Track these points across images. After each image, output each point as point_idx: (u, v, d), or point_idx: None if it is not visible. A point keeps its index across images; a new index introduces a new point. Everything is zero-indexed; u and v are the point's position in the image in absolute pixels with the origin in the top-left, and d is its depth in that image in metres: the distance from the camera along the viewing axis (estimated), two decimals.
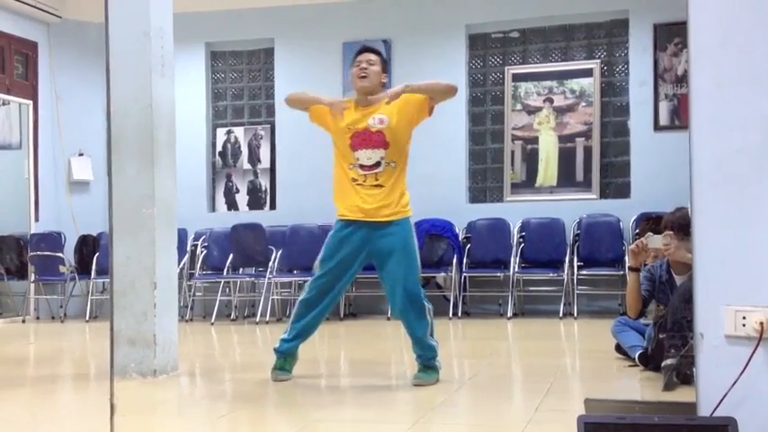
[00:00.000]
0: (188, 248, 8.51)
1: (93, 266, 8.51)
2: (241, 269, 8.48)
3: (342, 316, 7.93)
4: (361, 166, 4.16)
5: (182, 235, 7.69)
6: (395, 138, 4.13)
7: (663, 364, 3.89)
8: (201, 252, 8.53)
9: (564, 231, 7.92)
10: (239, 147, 9.21)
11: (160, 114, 4.77)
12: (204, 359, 5.76)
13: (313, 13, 8.83)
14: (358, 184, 4.17)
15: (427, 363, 4.21)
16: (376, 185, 4.14)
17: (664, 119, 8.01)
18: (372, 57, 4.21)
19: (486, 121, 8.66)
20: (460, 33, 8.56)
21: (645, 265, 4.35)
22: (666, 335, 3.96)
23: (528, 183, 8.38)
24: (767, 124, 2.34)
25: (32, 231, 8.88)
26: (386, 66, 4.28)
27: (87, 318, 8.42)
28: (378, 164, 4.13)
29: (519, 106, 8.45)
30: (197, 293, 8.55)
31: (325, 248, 4.31)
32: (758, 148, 2.34)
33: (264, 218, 8.57)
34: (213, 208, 9.26)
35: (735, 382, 2.31)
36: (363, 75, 4.17)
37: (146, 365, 4.60)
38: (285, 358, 4.34)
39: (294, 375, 4.40)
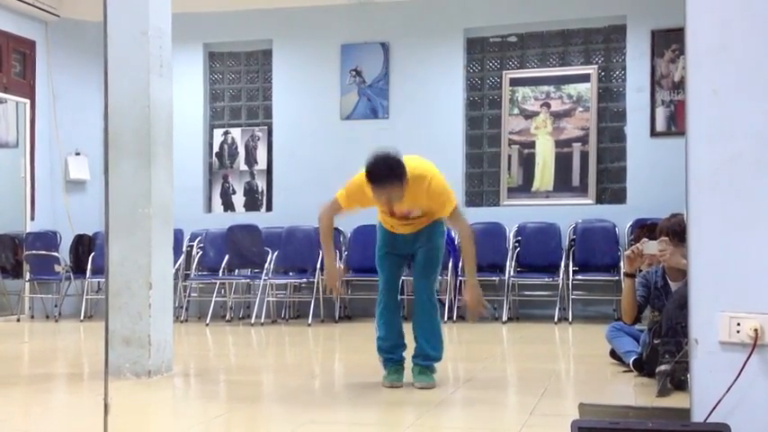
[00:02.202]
0: (184, 249, 8.50)
1: (89, 266, 8.50)
2: (237, 270, 8.47)
3: (337, 318, 7.92)
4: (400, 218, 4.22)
5: (178, 235, 7.65)
6: (423, 209, 4.16)
7: (657, 370, 3.89)
8: (197, 253, 8.53)
9: (560, 236, 7.93)
10: (236, 148, 9.21)
11: (157, 114, 4.77)
12: (199, 360, 5.76)
13: (311, 14, 8.84)
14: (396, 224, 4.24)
15: (427, 363, 4.25)
16: (411, 222, 4.22)
17: (660, 125, 8.03)
18: (382, 191, 3.95)
19: (483, 125, 8.67)
20: (459, 37, 8.57)
21: (640, 270, 4.36)
22: (661, 340, 3.97)
23: (524, 187, 8.39)
24: (763, 131, 2.35)
25: (28, 230, 8.87)
26: (401, 175, 3.92)
27: (82, 317, 8.40)
28: (416, 218, 4.21)
29: (516, 111, 8.46)
30: (192, 294, 8.54)
31: (380, 246, 4.31)
32: (754, 154, 2.35)
33: (260, 219, 8.57)
34: (209, 209, 9.25)
35: (729, 389, 2.31)
36: (388, 206, 4.09)
37: (140, 365, 4.60)
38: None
39: (289, 377, 4.40)
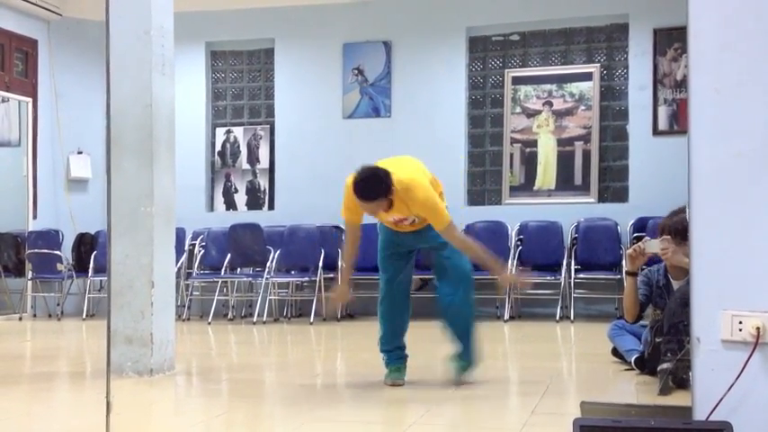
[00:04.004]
0: (186, 248, 8.50)
1: (91, 265, 8.51)
2: (239, 269, 8.48)
3: (339, 317, 7.92)
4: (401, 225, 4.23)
5: (180, 234, 7.67)
6: (413, 214, 4.14)
7: (659, 368, 3.89)
8: (199, 251, 8.53)
9: (562, 235, 7.93)
10: (238, 147, 9.21)
11: (160, 113, 4.77)
12: (201, 358, 5.76)
13: (313, 13, 8.84)
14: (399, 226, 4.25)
15: (463, 363, 4.29)
16: (413, 225, 4.22)
17: (663, 123, 8.02)
18: (368, 205, 4.00)
19: (485, 124, 8.67)
20: (461, 36, 8.57)
21: (642, 269, 4.36)
22: (663, 339, 3.97)
23: (526, 186, 8.39)
24: (766, 130, 2.35)
25: (30, 229, 8.88)
26: (385, 190, 3.96)
27: (84, 316, 8.41)
28: (413, 221, 4.18)
29: (518, 109, 8.46)
30: (194, 293, 8.55)
31: (382, 248, 4.30)
32: (757, 153, 2.35)
33: (263, 218, 8.58)
34: (212, 207, 9.26)
35: (731, 387, 2.31)
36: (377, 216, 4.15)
37: (142, 364, 4.61)
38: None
39: (291, 376, 4.40)
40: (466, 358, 4.26)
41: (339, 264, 7.82)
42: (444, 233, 4.08)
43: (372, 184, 3.92)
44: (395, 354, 4.28)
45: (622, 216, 7.88)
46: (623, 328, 4.66)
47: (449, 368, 4.27)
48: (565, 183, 8.29)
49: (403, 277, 4.33)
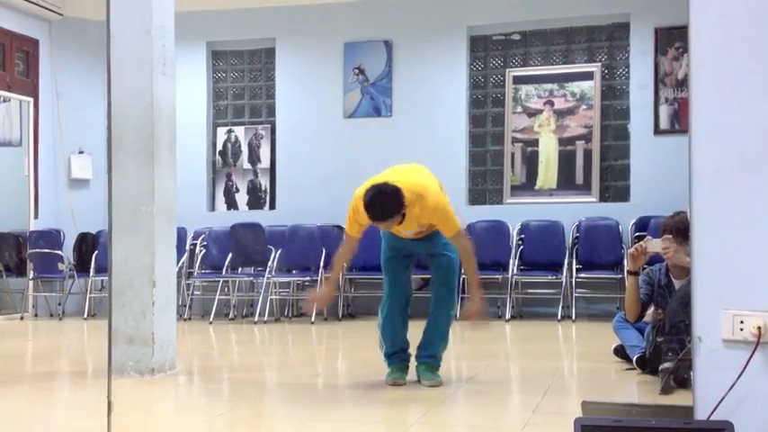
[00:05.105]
0: (187, 247, 8.50)
1: (92, 264, 8.51)
2: (240, 269, 8.48)
3: (340, 316, 7.93)
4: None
5: (181, 234, 7.69)
6: (423, 225, 4.14)
7: (660, 368, 3.89)
8: (200, 251, 8.53)
9: (563, 234, 7.92)
10: (239, 146, 9.21)
11: (161, 113, 4.78)
12: (202, 358, 5.77)
13: (314, 13, 8.84)
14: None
15: (435, 362, 4.28)
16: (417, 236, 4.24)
17: (664, 123, 8.02)
18: (381, 224, 4.01)
19: (486, 124, 8.67)
20: (462, 35, 8.57)
21: (643, 268, 4.36)
22: (664, 338, 3.97)
23: (528, 185, 8.39)
24: (767, 129, 2.35)
25: (32, 229, 8.88)
26: (398, 208, 3.93)
27: (85, 315, 8.42)
28: (419, 232, 4.20)
29: (519, 109, 8.46)
30: (196, 292, 8.55)
31: (385, 250, 4.31)
32: (758, 152, 2.35)
33: (264, 217, 8.57)
34: (213, 207, 9.26)
35: (732, 386, 2.31)
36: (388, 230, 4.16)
37: (144, 364, 4.61)
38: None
39: (292, 375, 4.40)
40: (432, 360, 4.28)
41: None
42: (454, 240, 4.12)
43: (385, 205, 3.90)
44: (397, 356, 4.28)
45: (624, 215, 7.87)
46: (628, 321, 4.66)
47: (417, 371, 4.26)
48: (566, 182, 8.28)
49: (405, 279, 4.35)
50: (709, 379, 2.37)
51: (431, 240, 4.22)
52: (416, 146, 8.19)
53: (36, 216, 8.99)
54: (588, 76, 8.30)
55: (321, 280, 7.77)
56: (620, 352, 4.71)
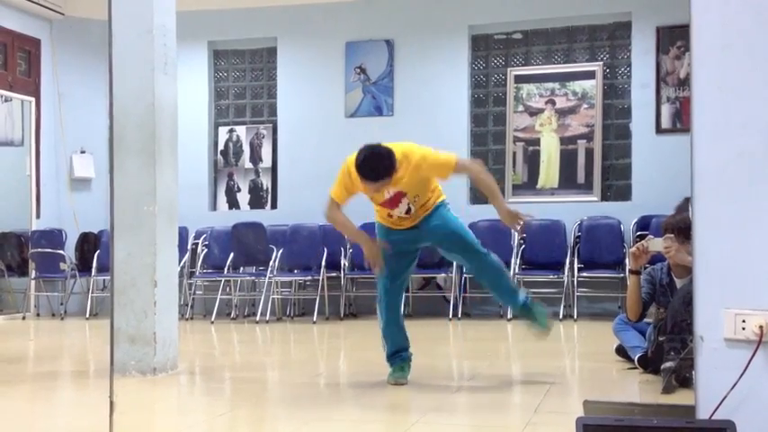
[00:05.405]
0: (189, 247, 8.51)
1: (94, 264, 8.52)
2: (242, 268, 8.48)
3: (342, 316, 7.93)
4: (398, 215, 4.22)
5: (182, 233, 7.69)
6: (411, 186, 4.11)
7: (662, 367, 3.89)
8: (202, 250, 8.53)
9: (565, 233, 7.92)
10: (241, 146, 9.21)
11: (162, 112, 4.78)
12: (204, 358, 5.77)
13: (316, 12, 8.84)
14: (395, 218, 4.24)
15: (528, 305, 4.31)
16: (408, 214, 4.22)
17: (665, 122, 8.01)
18: (373, 185, 3.98)
19: (487, 123, 8.66)
20: (463, 34, 8.57)
21: (645, 267, 4.35)
22: (666, 337, 3.96)
23: (529, 184, 8.38)
24: None
25: (33, 228, 8.89)
26: (391, 169, 3.94)
27: (87, 315, 8.42)
28: (408, 209, 4.17)
29: (521, 108, 8.45)
30: (197, 292, 8.55)
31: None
32: (760, 151, 2.34)
33: (265, 217, 8.57)
34: (214, 206, 9.26)
35: (734, 386, 2.31)
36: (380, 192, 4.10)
37: (145, 363, 4.61)
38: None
39: (294, 375, 4.40)
40: (525, 309, 4.31)
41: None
42: (461, 171, 4.20)
43: (378, 164, 3.92)
44: (398, 356, 4.28)
45: (625, 214, 7.86)
46: (628, 323, 4.66)
47: (531, 331, 4.35)
48: (568, 181, 8.28)
49: (401, 279, 4.33)
50: (711, 378, 2.37)
51: (426, 228, 4.19)
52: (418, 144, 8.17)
53: (38, 216, 9.00)
54: (590, 75, 8.30)
55: (323, 279, 7.77)
56: (622, 351, 4.71)
